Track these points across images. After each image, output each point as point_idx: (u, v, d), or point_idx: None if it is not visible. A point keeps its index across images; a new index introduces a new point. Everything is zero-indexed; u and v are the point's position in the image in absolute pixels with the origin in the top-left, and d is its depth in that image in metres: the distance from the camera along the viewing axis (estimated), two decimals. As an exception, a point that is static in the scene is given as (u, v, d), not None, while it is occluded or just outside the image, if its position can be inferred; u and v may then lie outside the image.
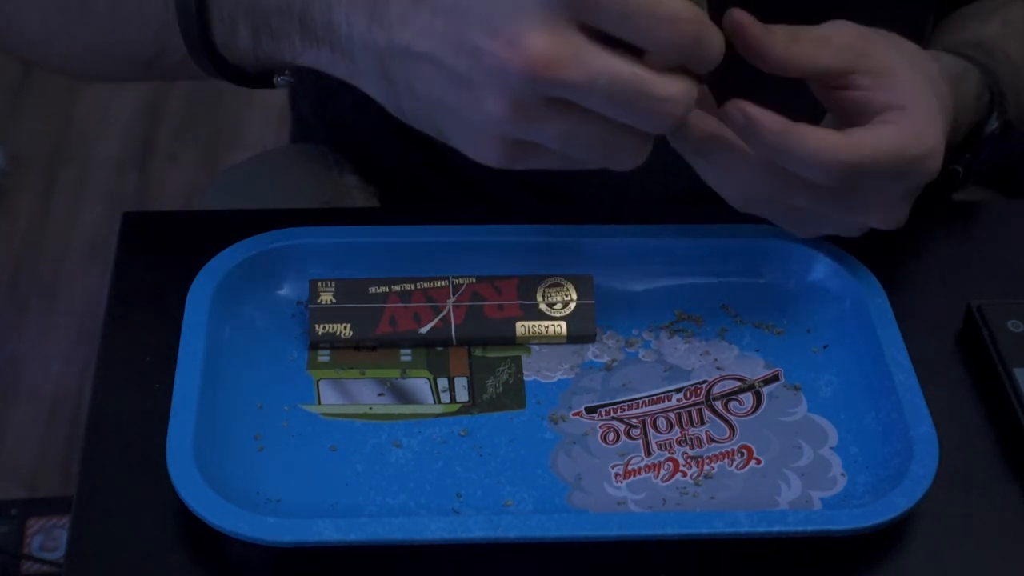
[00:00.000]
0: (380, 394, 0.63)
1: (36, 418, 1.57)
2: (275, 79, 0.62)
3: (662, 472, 0.60)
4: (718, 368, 0.65)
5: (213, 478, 0.57)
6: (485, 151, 0.55)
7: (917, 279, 0.71)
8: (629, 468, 0.60)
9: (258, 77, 0.62)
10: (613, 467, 0.60)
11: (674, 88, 0.54)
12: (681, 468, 0.61)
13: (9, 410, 1.58)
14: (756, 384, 0.64)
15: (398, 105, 0.57)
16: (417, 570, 0.57)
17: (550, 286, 0.66)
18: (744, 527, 0.56)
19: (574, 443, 0.61)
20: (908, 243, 0.72)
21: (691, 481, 0.60)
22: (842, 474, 0.61)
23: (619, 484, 0.60)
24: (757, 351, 0.66)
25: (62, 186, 1.81)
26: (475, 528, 0.55)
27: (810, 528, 0.56)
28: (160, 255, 0.58)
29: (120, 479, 0.59)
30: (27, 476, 1.51)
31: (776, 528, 0.56)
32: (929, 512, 0.58)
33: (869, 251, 0.67)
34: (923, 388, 0.62)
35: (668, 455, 0.61)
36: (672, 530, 0.56)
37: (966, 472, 0.62)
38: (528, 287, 0.66)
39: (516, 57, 0.51)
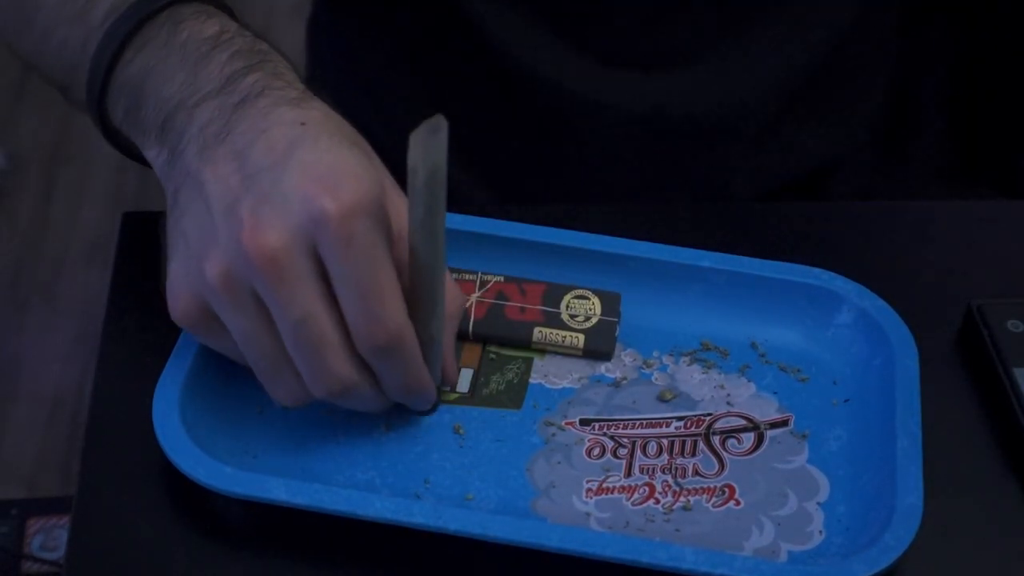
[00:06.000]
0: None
1: (36, 418, 1.58)
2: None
3: (635, 496, 0.60)
4: (728, 404, 0.64)
5: (196, 423, 0.59)
6: (178, 299, 0.57)
7: (917, 279, 0.70)
8: (604, 485, 0.60)
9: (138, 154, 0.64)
10: (588, 482, 0.60)
11: (344, 371, 0.56)
12: (656, 495, 0.60)
13: (9, 410, 1.58)
14: (762, 426, 0.63)
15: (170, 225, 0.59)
16: (383, 549, 0.58)
17: (576, 297, 0.66)
18: (687, 564, 0.55)
19: (557, 452, 0.62)
20: (908, 243, 0.72)
21: (661, 510, 0.60)
22: (820, 531, 0.59)
23: (587, 500, 0.60)
24: (774, 393, 0.65)
25: (62, 186, 1.81)
26: (417, 514, 0.56)
27: (754, 578, 0.55)
28: (160, 255, 0.60)
29: (120, 479, 0.60)
30: (27, 476, 1.52)
31: (719, 571, 0.55)
32: (928, 513, 0.57)
33: (869, 251, 0.66)
34: (923, 388, 0.61)
35: (647, 480, 0.61)
36: (612, 553, 0.55)
37: (965, 472, 0.62)
38: (554, 294, 0.66)
39: (250, 239, 0.54)
